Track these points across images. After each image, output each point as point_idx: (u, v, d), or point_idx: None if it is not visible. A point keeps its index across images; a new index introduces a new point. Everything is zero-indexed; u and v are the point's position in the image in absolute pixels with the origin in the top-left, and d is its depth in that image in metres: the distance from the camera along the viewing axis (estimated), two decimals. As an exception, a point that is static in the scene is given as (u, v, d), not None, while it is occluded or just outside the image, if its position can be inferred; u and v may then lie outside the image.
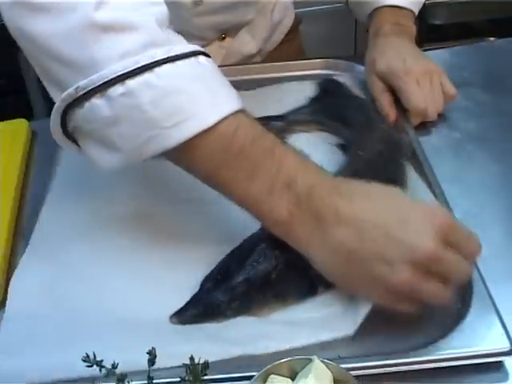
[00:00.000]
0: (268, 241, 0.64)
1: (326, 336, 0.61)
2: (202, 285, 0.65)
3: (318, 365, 0.53)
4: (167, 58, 0.60)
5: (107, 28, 0.59)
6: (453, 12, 2.01)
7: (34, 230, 0.77)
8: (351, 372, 0.54)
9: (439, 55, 1.07)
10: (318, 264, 0.61)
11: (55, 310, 0.66)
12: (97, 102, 0.60)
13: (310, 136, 0.88)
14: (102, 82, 0.59)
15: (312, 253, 0.61)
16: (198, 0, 0.96)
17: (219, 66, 0.66)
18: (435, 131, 0.88)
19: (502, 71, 1.01)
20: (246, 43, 1.11)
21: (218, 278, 0.64)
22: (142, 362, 0.52)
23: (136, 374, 0.54)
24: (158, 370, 0.54)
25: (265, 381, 0.53)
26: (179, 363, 0.52)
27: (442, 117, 0.90)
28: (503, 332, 0.59)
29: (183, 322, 0.63)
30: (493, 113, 0.93)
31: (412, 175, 0.78)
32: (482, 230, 0.72)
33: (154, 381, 0.52)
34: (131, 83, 0.59)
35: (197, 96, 0.61)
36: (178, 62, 0.61)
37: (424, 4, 2.11)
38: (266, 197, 0.61)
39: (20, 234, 0.79)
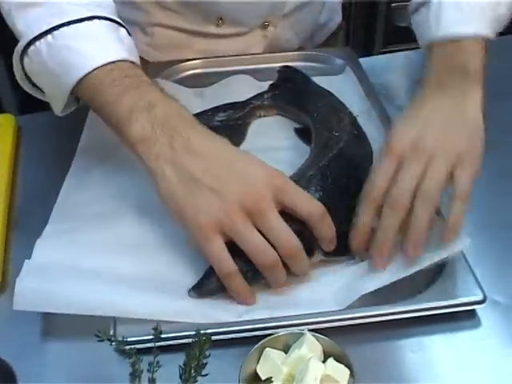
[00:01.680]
0: None
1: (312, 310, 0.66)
2: None
3: (309, 337, 0.59)
4: (61, 23, 0.75)
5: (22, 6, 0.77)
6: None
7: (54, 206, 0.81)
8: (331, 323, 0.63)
9: (404, 56, 1.16)
10: (160, 181, 0.68)
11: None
12: (26, 59, 0.78)
13: (271, 120, 0.95)
14: (25, 44, 0.77)
15: (158, 170, 0.68)
16: None
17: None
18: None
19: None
20: (288, 39, 1.14)
21: (230, 251, 0.66)
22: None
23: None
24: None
25: (260, 354, 0.60)
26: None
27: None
28: (476, 284, 0.68)
29: (201, 296, 0.68)
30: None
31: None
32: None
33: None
34: (38, 44, 0.76)
35: (82, 50, 0.75)
36: (72, 25, 0.76)
37: (390, 6, 2.19)
38: (126, 118, 0.71)
39: (13, 227, 0.83)
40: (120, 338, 0.56)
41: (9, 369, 0.60)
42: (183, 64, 1.07)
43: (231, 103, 0.95)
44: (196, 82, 1.05)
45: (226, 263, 0.66)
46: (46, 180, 0.89)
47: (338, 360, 0.59)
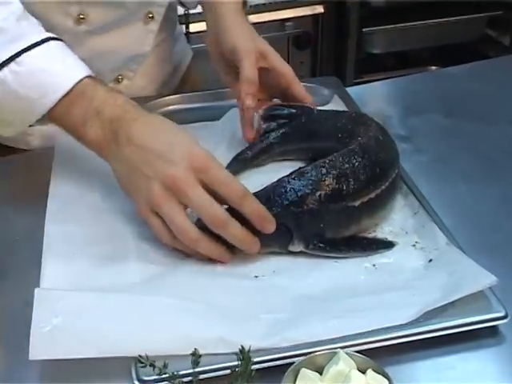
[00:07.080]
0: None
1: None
2: None
3: (343, 355, 0.64)
4: (23, 49, 0.84)
5: None
6: (390, 40, 2.16)
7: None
8: (350, 348, 0.67)
9: (391, 83, 1.26)
10: (115, 176, 0.84)
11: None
12: None
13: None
14: None
15: (111, 164, 0.84)
16: (81, 17, 1.02)
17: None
18: (405, 156, 0.97)
19: (456, 96, 1.17)
20: (143, 88, 1.17)
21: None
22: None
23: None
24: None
25: (296, 375, 0.65)
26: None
27: (409, 142, 1.04)
28: (497, 300, 0.72)
29: None
30: (453, 135, 1.08)
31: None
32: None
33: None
34: (1, 74, 0.84)
35: (50, 71, 0.85)
36: (33, 50, 0.85)
37: (361, 32, 2.24)
38: (80, 124, 0.85)
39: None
40: (162, 364, 0.62)
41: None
42: (160, 100, 1.13)
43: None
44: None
45: (160, 234, 0.80)
46: (22, 223, 0.92)
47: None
